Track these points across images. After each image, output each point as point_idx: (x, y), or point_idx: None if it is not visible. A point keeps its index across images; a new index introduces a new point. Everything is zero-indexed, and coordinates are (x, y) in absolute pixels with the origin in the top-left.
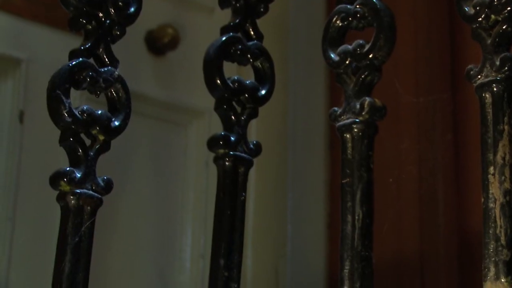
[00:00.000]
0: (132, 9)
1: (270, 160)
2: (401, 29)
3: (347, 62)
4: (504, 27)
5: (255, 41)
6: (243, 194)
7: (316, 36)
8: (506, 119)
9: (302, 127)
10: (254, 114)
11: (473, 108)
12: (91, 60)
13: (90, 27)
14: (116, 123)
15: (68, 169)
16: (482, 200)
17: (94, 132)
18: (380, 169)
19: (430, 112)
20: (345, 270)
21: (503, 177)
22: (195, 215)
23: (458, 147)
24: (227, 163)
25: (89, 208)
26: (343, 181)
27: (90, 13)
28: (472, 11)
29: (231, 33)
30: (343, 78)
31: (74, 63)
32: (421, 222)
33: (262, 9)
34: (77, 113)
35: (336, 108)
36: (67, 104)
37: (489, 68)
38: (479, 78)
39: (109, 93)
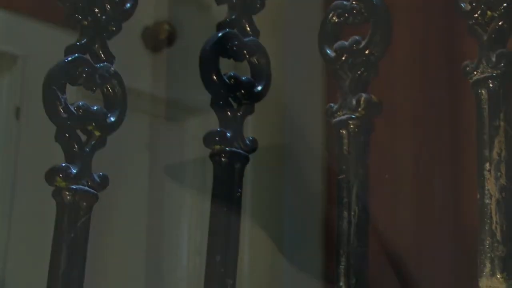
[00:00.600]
0: (128, 5)
1: (266, 156)
2: (397, 25)
3: (343, 58)
4: (500, 23)
5: (252, 37)
6: (239, 190)
7: (312, 32)
8: (502, 115)
9: (299, 123)
10: (250, 110)
11: (470, 104)
12: (87, 56)
13: (86, 22)
14: (112, 119)
15: (63, 165)
16: (478, 196)
17: (90, 128)
18: (377, 166)
19: (427, 108)
20: (341, 266)
21: (499, 173)
22: (192, 211)
23: (454, 144)
24: (223, 159)
25: (85, 204)
26: (339, 177)
27: (86, 9)
28: (468, 7)
29: (227, 29)
30: (339, 74)
31: (69, 58)
32: (417, 218)
33: (258, 5)
34: (72, 109)
35: (332, 104)
36: (62, 100)
37: (485, 64)
38: (475, 74)
39: (105, 89)
